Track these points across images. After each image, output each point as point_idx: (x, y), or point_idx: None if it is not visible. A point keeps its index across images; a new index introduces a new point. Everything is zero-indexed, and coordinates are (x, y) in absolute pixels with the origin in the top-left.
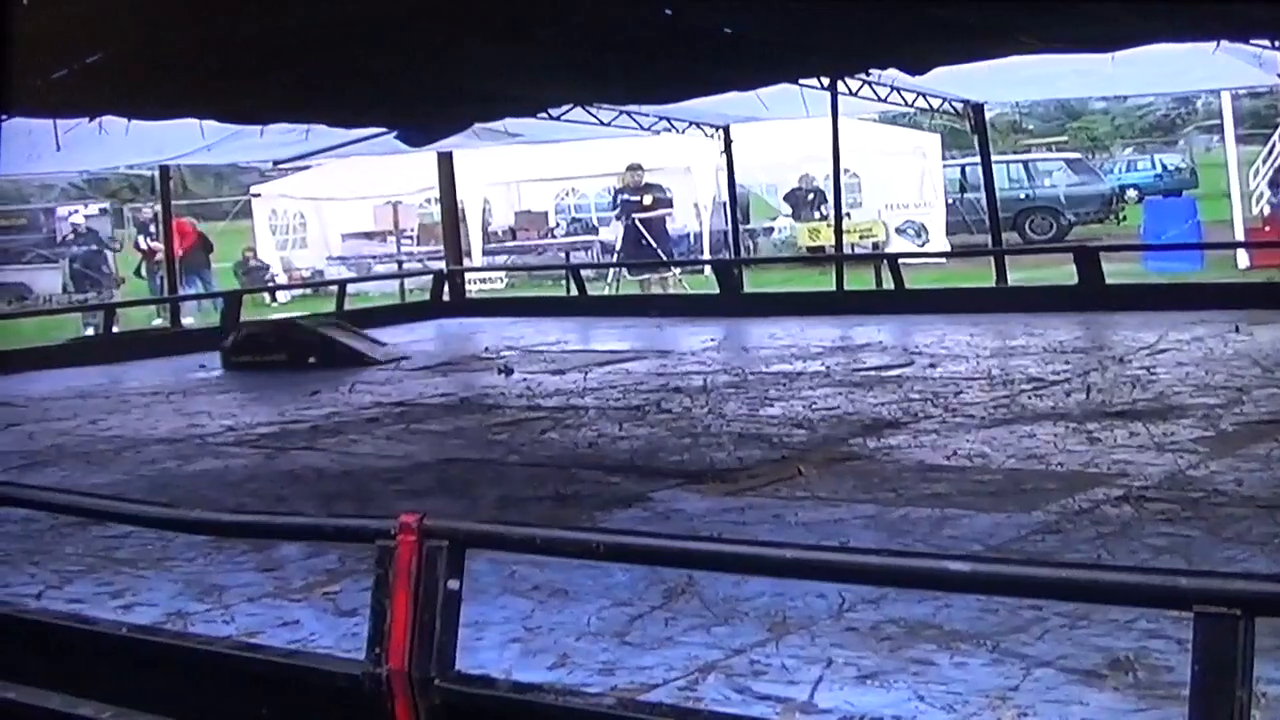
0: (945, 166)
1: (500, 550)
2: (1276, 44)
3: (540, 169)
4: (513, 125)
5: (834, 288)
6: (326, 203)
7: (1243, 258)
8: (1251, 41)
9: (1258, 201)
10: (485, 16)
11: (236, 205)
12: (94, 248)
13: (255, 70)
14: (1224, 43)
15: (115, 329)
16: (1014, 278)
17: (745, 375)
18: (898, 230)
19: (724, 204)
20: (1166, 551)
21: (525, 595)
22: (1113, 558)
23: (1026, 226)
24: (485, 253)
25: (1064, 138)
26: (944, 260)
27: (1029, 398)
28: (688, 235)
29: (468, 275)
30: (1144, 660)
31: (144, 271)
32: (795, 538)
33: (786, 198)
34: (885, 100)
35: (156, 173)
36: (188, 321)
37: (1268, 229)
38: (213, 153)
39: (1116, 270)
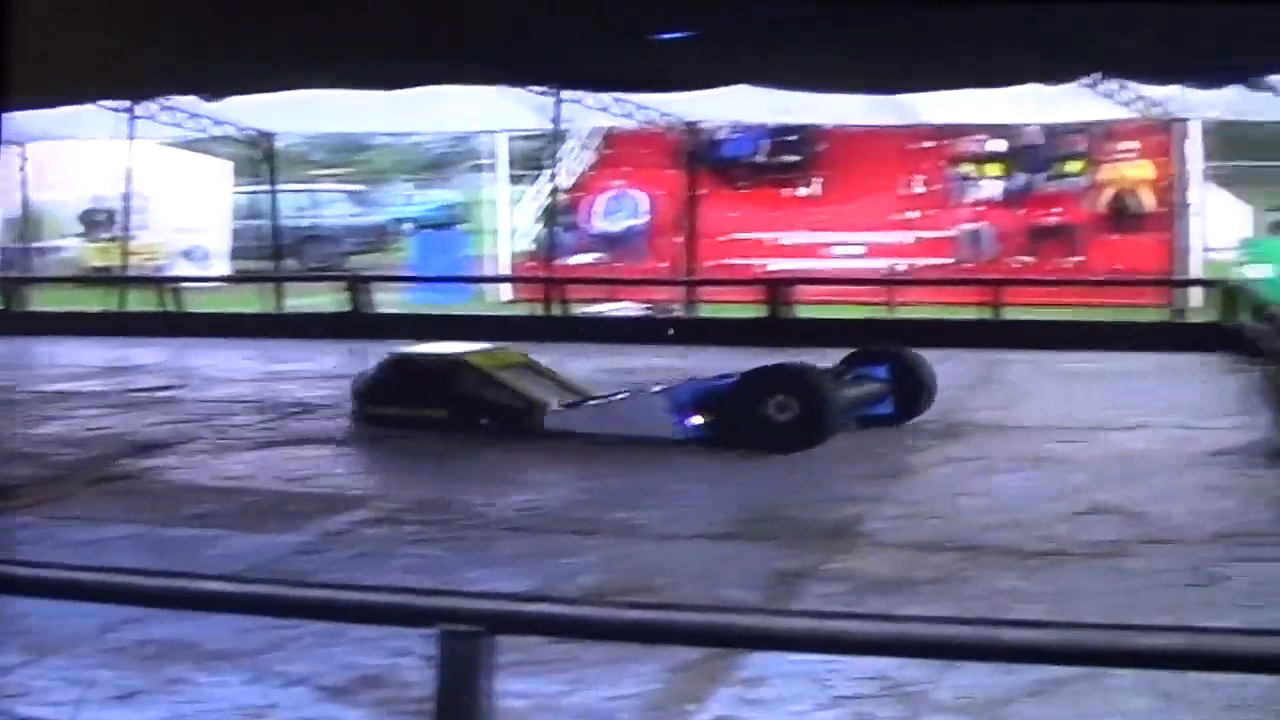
0: (236, 193)
1: None
2: (549, 91)
3: None
4: None
5: (116, 308)
6: None
7: (507, 290)
8: (528, 88)
9: (524, 238)
10: None
11: None
12: None
13: None
14: (502, 87)
15: None
16: (292, 304)
17: (20, 393)
18: (184, 254)
19: (15, 220)
20: (418, 571)
21: None
22: (367, 578)
23: (307, 254)
24: None
25: (350, 169)
26: (225, 285)
27: (295, 421)
28: None
29: None
30: (393, 677)
31: None
32: (61, 558)
33: (80, 217)
34: (182, 126)
35: None
36: None
37: (533, 264)
38: None
39: (388, 299)
